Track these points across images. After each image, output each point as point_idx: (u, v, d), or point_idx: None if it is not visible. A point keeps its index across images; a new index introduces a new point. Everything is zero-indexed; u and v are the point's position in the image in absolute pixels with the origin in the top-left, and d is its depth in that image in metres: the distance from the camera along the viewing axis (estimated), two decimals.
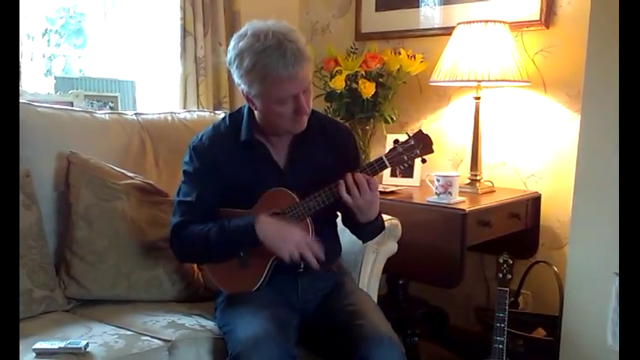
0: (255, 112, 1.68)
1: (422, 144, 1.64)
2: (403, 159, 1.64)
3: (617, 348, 1.99)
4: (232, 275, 1.71)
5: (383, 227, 1.80)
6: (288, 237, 1.58)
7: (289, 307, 1.70)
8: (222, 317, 1.70)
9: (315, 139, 1.73)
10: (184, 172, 1.75)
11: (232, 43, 1.61)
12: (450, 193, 2.22)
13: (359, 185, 1.59)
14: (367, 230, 1.75)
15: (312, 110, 1.70)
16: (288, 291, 1.73)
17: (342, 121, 2.46)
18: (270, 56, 1.53)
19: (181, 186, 1.74)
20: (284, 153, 1.74)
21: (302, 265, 1.72)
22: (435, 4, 2.81)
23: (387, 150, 1.67)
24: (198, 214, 1.68)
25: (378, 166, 1.64)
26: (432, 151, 1.65)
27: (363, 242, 1.87)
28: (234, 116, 1.77)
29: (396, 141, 1.66)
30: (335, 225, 1.84)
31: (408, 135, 1.65)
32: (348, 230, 1.83)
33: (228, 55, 1.62)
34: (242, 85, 1.62)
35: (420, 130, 1.66)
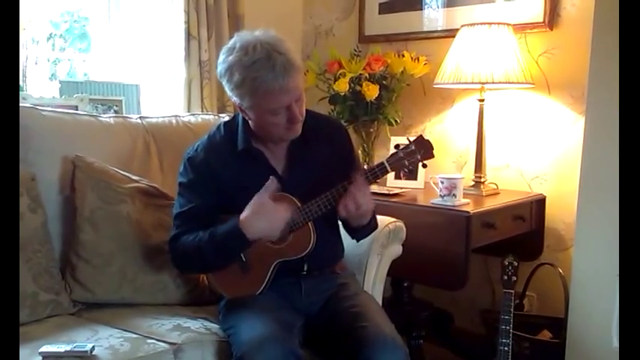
0: (250, 121, 1.68)
1: (423, 149, 1.64)
2: (404, 164, 1.65)
3: None
4: (235, 280, 1.72)
5: (375, 227, 1.82)
6: (273, 224, 1.58)
7: (293, 309, 1.70)
8: (226, 320, 1.70)
9: (312, 140, 1.73)
10: (180, 184, 1.75)
11: (221, 57, 1.61)
12: (454, 195, 2.22)
13: (355, 201, 1.59)
14: (360, 233, 1.78)
15: (307, 110, 1.69)
16: (292, 294, 1.73)
17: (339, 120, 2.49)
18: (259, 70, 1.53)
19: (177, 199, 1.75)
20: (282, 159, 1.74)
21: (305, 268, 1.72)
22: (438, 7, 2.81)
23: (389, 154, 1.68)
24: (195, 225, 1.68)
25: (380, 170, 1.65)
26: (433, 156, 1.66)
27: (357, 241, 1.86)
28: (229, 125, 1.77)
29: (397, 146, 1.67)
30: (337, 226, 1.84)
31: (409, 140, 1.66)
32: None
33: (218, 69, 1.62)
34: (234, 98, 1.63)
35: (421, 136, 1.67)
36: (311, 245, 1.65)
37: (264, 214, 1.58)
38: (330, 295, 1.75)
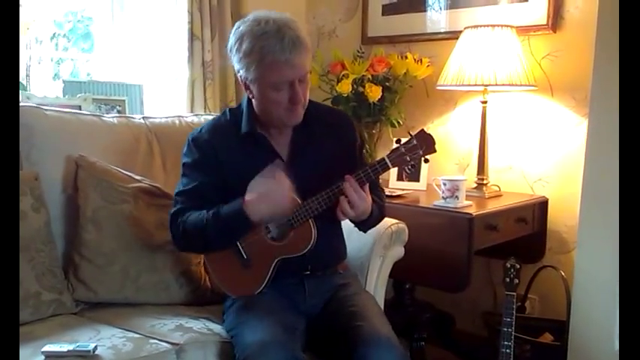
0: (253, 100, 1.69)
1: (424, 144, 1.62)
2: (406, 159, 1.62)
3: None
4: (236, 277, 1.72)
5: (380, 217, 1.80)
6: (277, 204, 1.57)
7: (296, 311, 1.70)
8: (230, 322, 1.70)
9: (315, 129, 1.73)
10: (183, 164, 1.75)
11: (234, 29, 1.65)
12: (456, 197, 2.22)
13: (351, 202, 1.59)
14: (364, 225, 1.77)
15: (310, 100, 1.71)
16: (295, 294, 1.73)
17: (344, 111, 2.46)
18: (268, 39, 1.56)
19: (181, 179, 1.75)
20: (286, 145, 1.74)
21: (309, 268, 1.72)
22: (441, 9, 2.81)
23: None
24: (198, 203, 1.68)
25: (380, 167, 1.62)
26: (435, 151, 1.63)
27: (364, 232, 1.85)
28: (235, 110, 1.79)
29: (398, 141, 1.64)
30: (339, 225, 1.84)
31: (410, 135, 1.63)
32: (355, 234, 1.83)
33: (229, 41, 1.65)
34: (240, 71, 1.64)
35: (423, 130, 1.64)
36: (312, 242, 1.64)
37: (269, 194, 1.57)
38: (331, 295, 1.75)
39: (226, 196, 1.66)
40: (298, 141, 1.74)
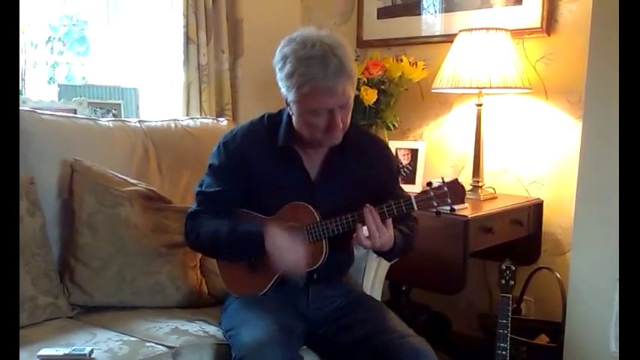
0: (292, 117, 1.66)
1: (455, 194, 1.60)
2: (432, 204, 1.60)
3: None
4: (240, 278, 1.72)
5: (406, 248, 1.75)
6: (288, 258, 1.58)
7: (296, 313, 1.70)
8: (227, 321, 1.70)
9: (350, 153, 1.70)
10: (210, 165, 1.74)
11: (280, 45, 1.60)
12: None
13: (371, 236, 1.58)
14: (385, 256, 1.75)
15: (351, 124, 1.67)
16: (298, 297, 1.72)
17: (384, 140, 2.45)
18: (311, 66, 1.51)
19: (204, 178, 1.74)
20: (317, 164, 1.71)
21: (315, 276, 1.70)
22: (436, 12, 2.82)
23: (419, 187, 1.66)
24: (216, 207, 1.69)
25: (406, 206, 1.60)
26: (463, 202, 1.63)
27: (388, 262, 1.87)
28: (273, 118, 1.74)
29: (429, 184, 1.62)
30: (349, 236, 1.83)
31: (443, 181, 1.61)
32: None
33: (275, 56, 1.61)
34: (282, 88, 1.61)
35: (456, 180, 1.62)
36: (320, 263, 1.63)
37: (287, 252, 1.58)
38: (342, 305, 1.73)
39: (247, 203, 1.66)
40: (331, 162, 1.71)
